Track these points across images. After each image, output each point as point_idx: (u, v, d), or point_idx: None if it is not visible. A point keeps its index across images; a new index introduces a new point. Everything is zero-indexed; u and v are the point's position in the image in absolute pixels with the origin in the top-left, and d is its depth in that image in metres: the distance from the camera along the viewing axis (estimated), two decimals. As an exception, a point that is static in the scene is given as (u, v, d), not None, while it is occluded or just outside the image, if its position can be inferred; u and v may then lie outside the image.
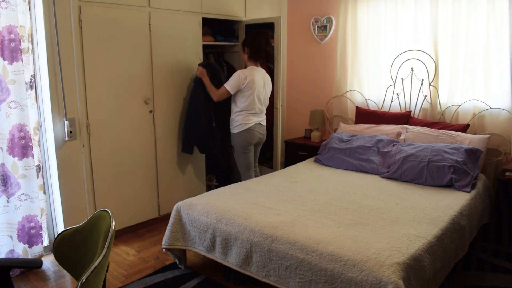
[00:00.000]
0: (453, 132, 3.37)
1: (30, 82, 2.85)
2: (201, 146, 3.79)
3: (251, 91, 3.47)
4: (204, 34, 3.85)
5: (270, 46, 3.65)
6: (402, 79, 3.87)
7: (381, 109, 4.05)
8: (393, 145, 3.45)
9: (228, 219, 2.53)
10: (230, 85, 3.48)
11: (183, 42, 3.66)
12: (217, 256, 2.60)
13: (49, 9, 2.80)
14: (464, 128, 3.42)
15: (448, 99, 3.66)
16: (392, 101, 3.98)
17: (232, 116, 3.62)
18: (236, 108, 3.56)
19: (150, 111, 3.50)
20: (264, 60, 3.63)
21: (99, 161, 3.20)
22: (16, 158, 2.73)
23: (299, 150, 4.39)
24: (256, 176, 3.84)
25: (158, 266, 2.95)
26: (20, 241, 2.82)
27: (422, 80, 3.75)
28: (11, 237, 2.78)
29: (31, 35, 2.84)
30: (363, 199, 2.79)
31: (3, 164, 2.71)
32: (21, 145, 2.74)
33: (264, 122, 3.70)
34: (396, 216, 2.48)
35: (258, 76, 3.51)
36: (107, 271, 1.51)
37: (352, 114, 4.23)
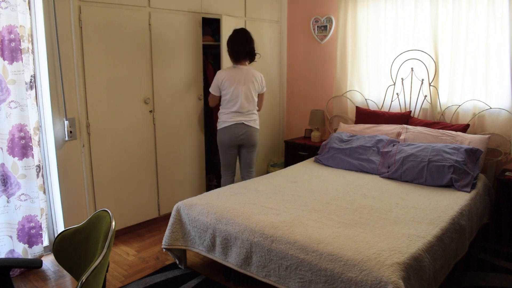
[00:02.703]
0: (453, 132, 3.37)
1: (30, 82, 2.85)
2: None
3: (227, 90, 3.43)
4: (204, 34, 3.85)
5: (250, 45, 3.47)
6: (402, 79, 3.87)
7: (381, 109, 4.04)
8: (393, 145, 3.44)
9: (228, 219, 2.53)
10: (212, 88, 3.51)
11: (183, 42, 3.66)
12: (217, 256, 2.60)
13: (49, 9, 2.80)
14: (464, 128, 3.42)
15: (448, 99, 3.65)
16: (392, 101, 3.97)
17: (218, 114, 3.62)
18: (220, 106, 3.56)
19: (150, 111, 3.50)
20: (245, 59, 3.50)
21: (99, 161, 3.20)
22: (16, 158, 2.73)
23: (299, 150, 4.38)
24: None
25: (158, 266, 2.95)
26: (20, 241, 2.82)
27: (422, 80, 3.75)
28: (11, 237, 2.78)
29: (31, 35, 2.84)
30: (363, 199, 2.79)
31: (3, 164, 2.71)
32: (21, 145, 2.74)
33: (251, 123, 3.50)
34: (396, 216, 2.48)
35: (236, 74, 3.44)
36: (107, 271, 1.51)
37: (352, 114, 4.23)
